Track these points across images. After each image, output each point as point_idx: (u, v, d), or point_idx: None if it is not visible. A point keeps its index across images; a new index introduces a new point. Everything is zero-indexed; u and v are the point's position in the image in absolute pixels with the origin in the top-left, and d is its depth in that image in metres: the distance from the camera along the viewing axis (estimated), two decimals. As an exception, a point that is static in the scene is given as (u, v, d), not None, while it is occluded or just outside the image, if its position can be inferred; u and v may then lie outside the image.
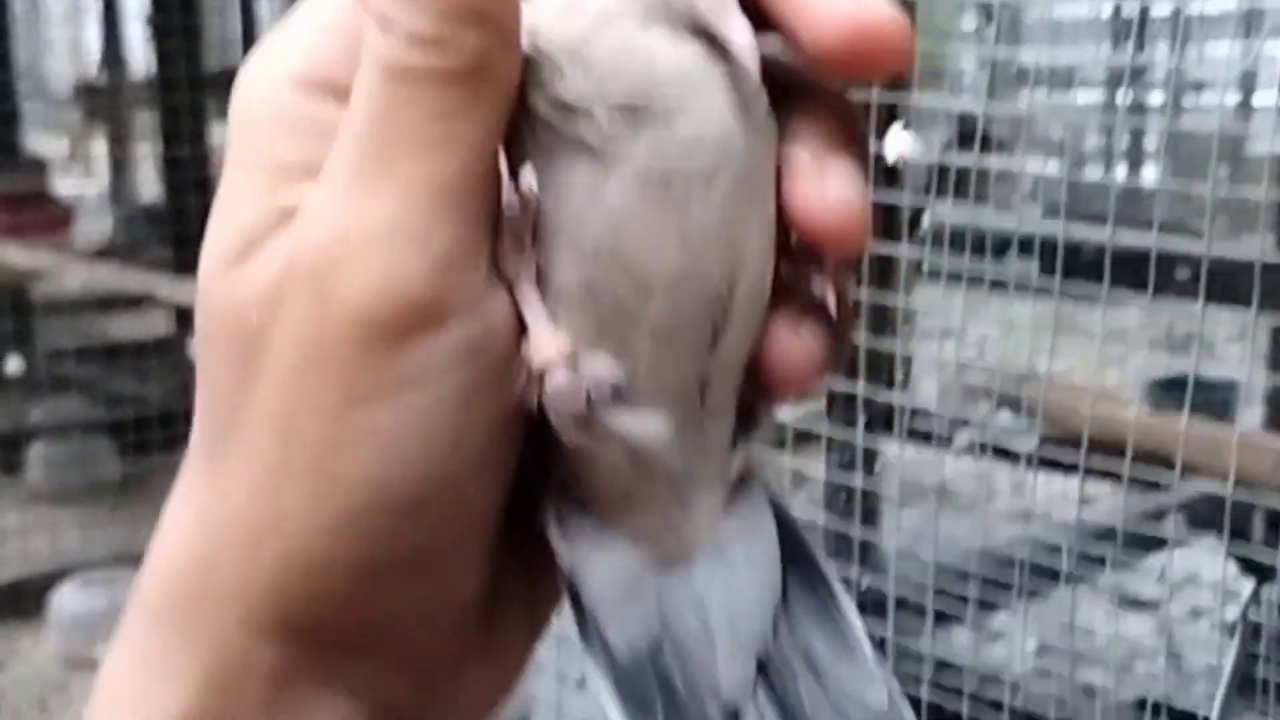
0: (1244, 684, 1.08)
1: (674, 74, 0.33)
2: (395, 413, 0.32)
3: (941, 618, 1.27)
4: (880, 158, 1.23)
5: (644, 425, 0.35)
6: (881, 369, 1.33)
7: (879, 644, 1.29)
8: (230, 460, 0.34)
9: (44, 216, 3.62)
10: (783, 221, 0.35)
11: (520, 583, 0.39)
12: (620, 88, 0.33)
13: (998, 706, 1.21)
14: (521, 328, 0.34)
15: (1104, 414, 1.14)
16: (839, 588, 0.38)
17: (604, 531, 0.37)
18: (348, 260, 0.32)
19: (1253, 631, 1.08)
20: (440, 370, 0.32)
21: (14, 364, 3.38)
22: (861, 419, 1.31)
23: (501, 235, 0.33)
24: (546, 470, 0.37)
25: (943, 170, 1.21)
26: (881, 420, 1.33)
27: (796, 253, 0.36)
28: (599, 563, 0.37)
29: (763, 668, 0.37)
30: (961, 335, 1.24)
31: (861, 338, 1.32)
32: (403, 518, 0.33)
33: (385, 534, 0.33)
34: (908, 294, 1.32)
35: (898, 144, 1.18)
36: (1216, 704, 0.98)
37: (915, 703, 1.25)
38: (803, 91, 0.35)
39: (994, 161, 1.18)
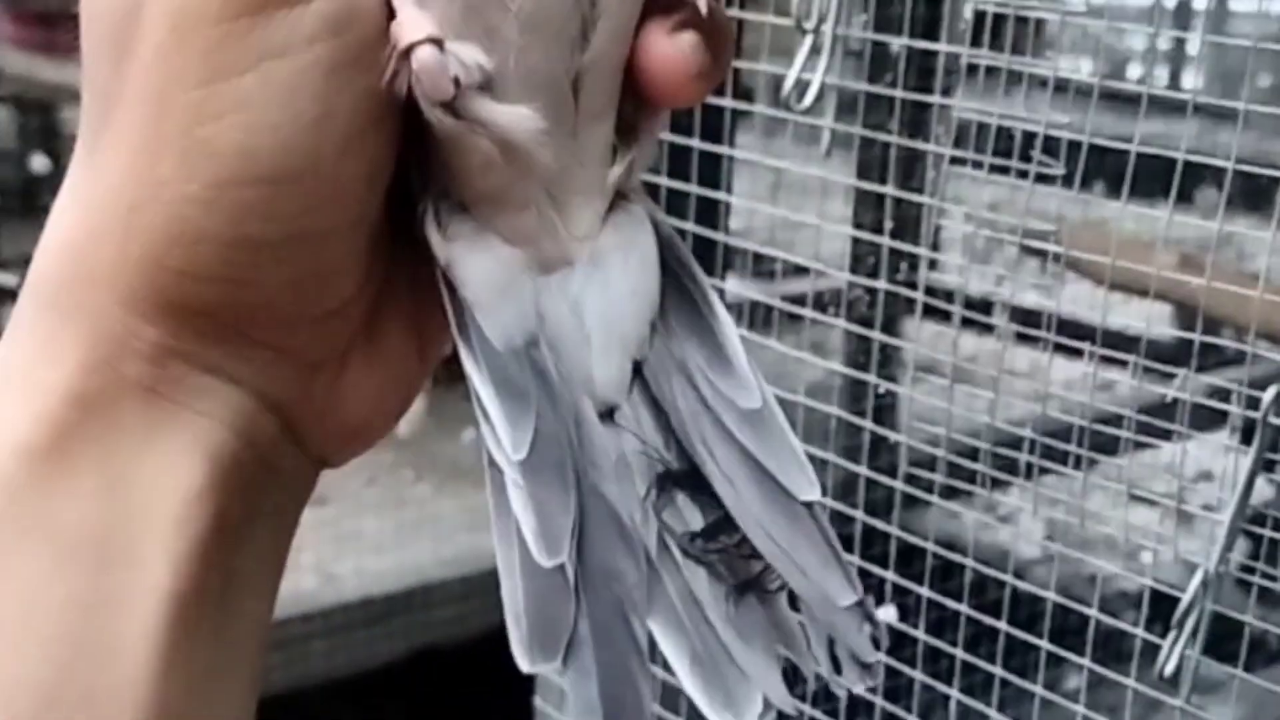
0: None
1: None
2: (260, 82, 0.33)
3: (951, 493, 1.28)
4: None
5: (514, 115, 0.35)
6: (910, 233, 1.33)
7: (887, 513, 1.31)
8: (107, 141, 0.35)
9: (75, 34, 3.58)
10: None
11: (405, 295, 0.40)
12: None
13: (1000, 586, 1.23)
14: (389, 9, 0.34)
15: (1132, 259, 1.14)
16: (717, 302, 0.40)
17: (481, 231, 0.38)
18: None
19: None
20: (303, 41, 0.33)
21: (40, 162, 3.37)
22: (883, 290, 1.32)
23: None
24: (425, 171, 0.38)
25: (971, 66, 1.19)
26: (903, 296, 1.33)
27: None
28: (476, 260, 0.38)
29: (639, 372, 0.39)
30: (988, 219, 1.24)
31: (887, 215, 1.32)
32: (272, 190, 0.34)
33: (256, 206, 0.34)
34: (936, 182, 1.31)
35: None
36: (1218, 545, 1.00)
37: (916, 579, 1.27)
38: None
39: (1027, 60, 1.16)
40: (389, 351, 0.40)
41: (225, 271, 0.35)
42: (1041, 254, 1.18)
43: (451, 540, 2.46)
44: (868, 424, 1.32)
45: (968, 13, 1.18)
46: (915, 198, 1.31)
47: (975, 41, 1.18)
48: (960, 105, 1.22)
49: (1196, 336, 1.07)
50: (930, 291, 1.28)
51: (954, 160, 1.21)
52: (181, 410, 0.36)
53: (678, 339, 0.39)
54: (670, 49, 0.36)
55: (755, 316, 1.39)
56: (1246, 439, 1.07)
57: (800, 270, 1.41)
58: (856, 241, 1.38)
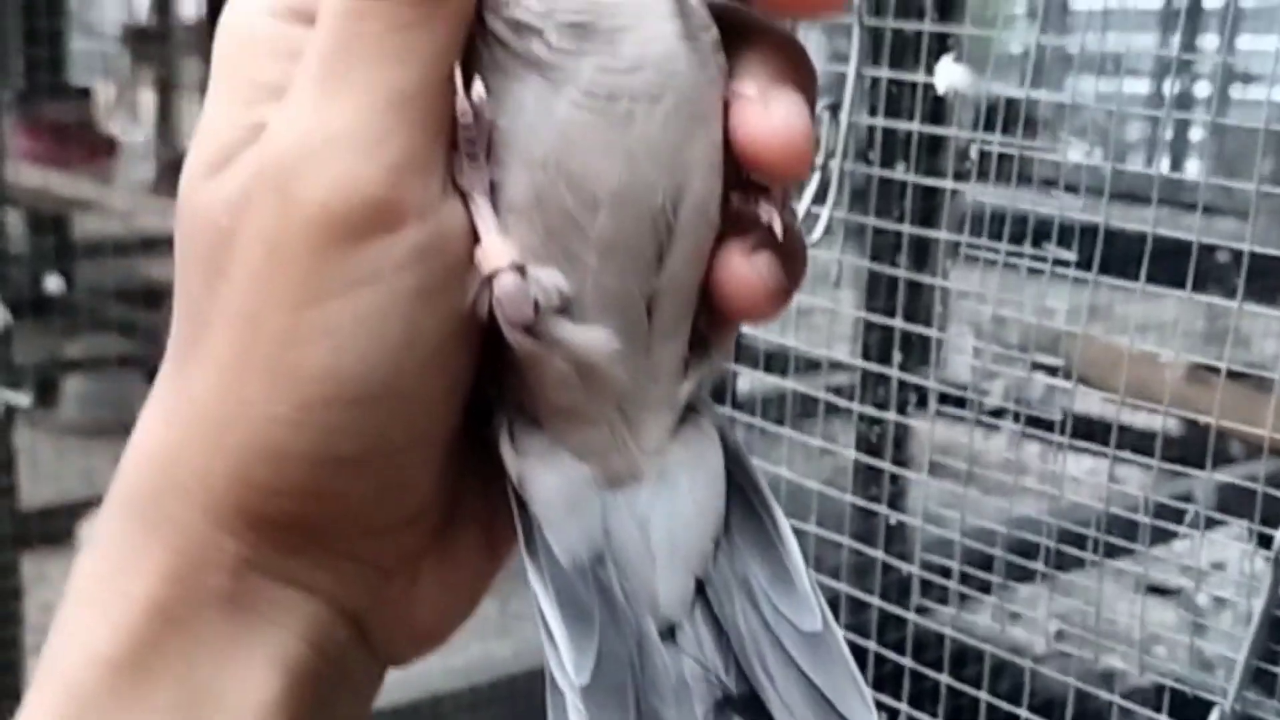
0: (1260, 673, 1.08)
1: (618, 3, 0.35)
2: (350, 309, 0.34)
3: (965, 595, 1.27)
4: (930, 89, 1.22)
5: (590, 337, 0.36)
6: (915, 345, 1.34)
7: (899, 624, 1.30)
8: (197, 357, 0.36)
9: (88, 147, 3.63)
10: (733, 156, 0.37)
11: (478, 503, 0.40)
12: (569, 6, 0.35)
13: (1017, 687, 1.21)
14: (474, 235, 0.35)
15: (1141, 374, 1.14)
16: (781, 519, 0.40)
17: (553, 446, 0.38)
18: (308, 163, 0.34)
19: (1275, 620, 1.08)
20: (394, 270, 0.34)
21: (54, 283, 3.40)
22: (894, 397, 1.32)
23: (456, 145, 0.35)
24: (501, 386, 0.38)
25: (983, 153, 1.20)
26: (913, 398, 1.33)
27: (746, 183, 0.37)
28: (546, 474, 0.38)
29: (702, 590, 0.38)
30: (998, 315, 1.24)
31: (898, 316, 1.33)
32: (357, 411, 0.35)
33: (340, 427, 0.35)
34: (945, 275, 1.32)
35: (948, 76, 1.17)
36: (1234, 681, 0.98)
37: (934, 682, 1.26)
38: (751, 30, 0.37)
39: (1036, 148, 1.17)
40: (461, 555, 0.41)
41: (309, 487, 0.35)
42: (1052, 370, 1.18)
43: (462, 650, 2.44)
44: (882, 508, 1.31)
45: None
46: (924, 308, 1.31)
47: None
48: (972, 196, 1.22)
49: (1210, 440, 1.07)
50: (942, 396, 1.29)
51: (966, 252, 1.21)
52: (259, 622, 0.36)
53: (741, 556, 0.39)
54: (748, 270, 0.37)
55: (768, 410, 1.40)
56: (1263, 541, 1.06)
57: (813, 365, 1.42)
58: (866, 352, 1.39)
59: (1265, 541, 1.06)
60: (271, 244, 0.34)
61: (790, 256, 0.37)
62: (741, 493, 0.40)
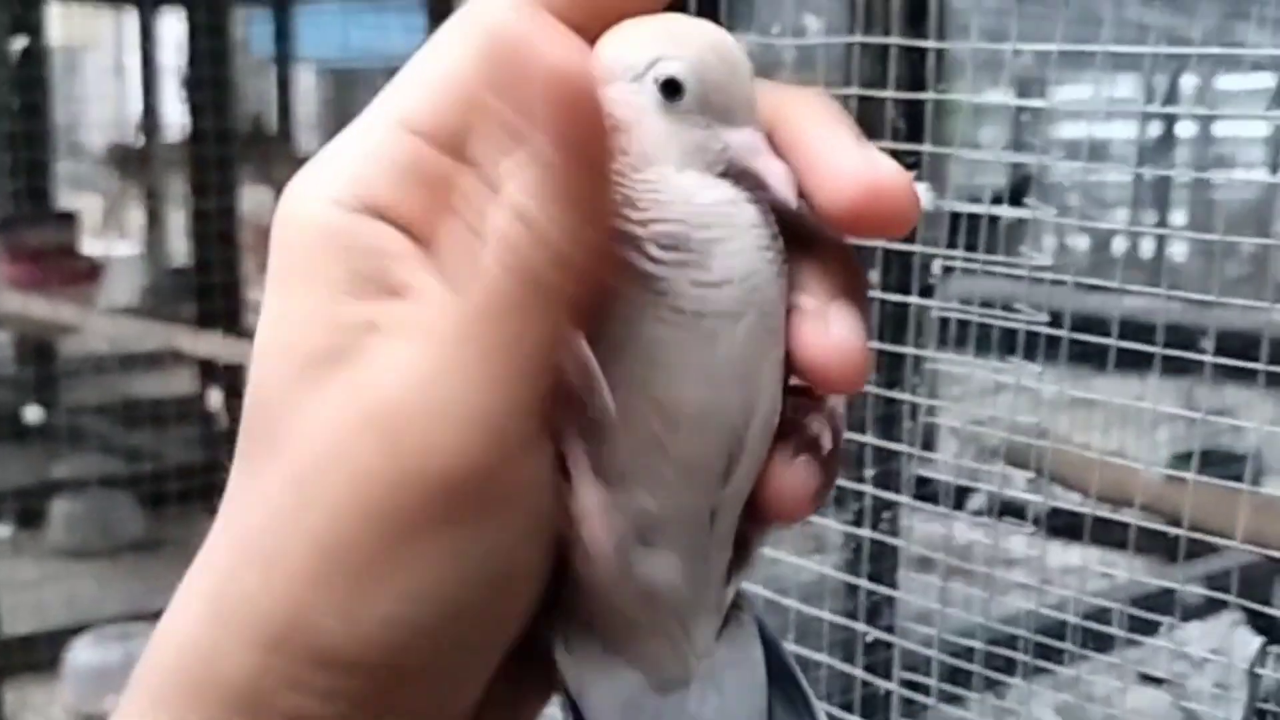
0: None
1: (708, 215, 0.35)
2: (436, 549, 0.34)
3: (951, 696, 1.25)
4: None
5: (662, 565, 0.37)
6: (897, 429, 1.33)
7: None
8: (256, 560, 0.35)
9: (70, 271, 3.65)
10: (789, 365, 0.37)
11: (508, 694, 0.39)
12: (667, 215, 0.35)
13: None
14: (564, 471, 0.35)
15: (1115, 478, 1.13)
16: (816, 703, 0.40)
17: (609, 655, 0.38)
18: (422, 424, 0.33)
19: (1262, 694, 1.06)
20: (486, 521, 0.34)
21: (33, 413, 3.41)
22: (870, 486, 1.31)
23: (557, 396, 0.34)
24: (558, 595, 0.38)
25: (966, 232, 1.21)
26: (895, 484, 1.32)
27: (796, 390, 0.38)
28: (604, 682, 0.38)
29: None
30: (979, 405, 1.23)
31: (869, 412, 1.32)
32: (423, 635, 0.34)
33: (402, 647, 0.34)
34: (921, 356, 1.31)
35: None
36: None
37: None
38: (810, 238, 0.37)
39: (997, 261, 1.17)
40: None
41: (363, 695, 0.34)
42: (1025, 466, 1.18)
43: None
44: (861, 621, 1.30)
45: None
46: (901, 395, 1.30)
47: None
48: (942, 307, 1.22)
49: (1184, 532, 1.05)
50: (922, 486, 1.28)
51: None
52: None
53: None
54: (794, 478, 0.37)
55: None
56: (1254, 625, 1.05)
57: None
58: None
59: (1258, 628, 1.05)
60: (364, 480, 0.33)
61: (831, 459, 0.38)
62: (778, 681, 0.40)
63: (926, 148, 1.21)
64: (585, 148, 0.33)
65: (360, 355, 0.34)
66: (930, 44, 1.24)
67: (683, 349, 0.35)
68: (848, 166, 0.35)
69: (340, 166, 0.36)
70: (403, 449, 0.33)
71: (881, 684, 1.26)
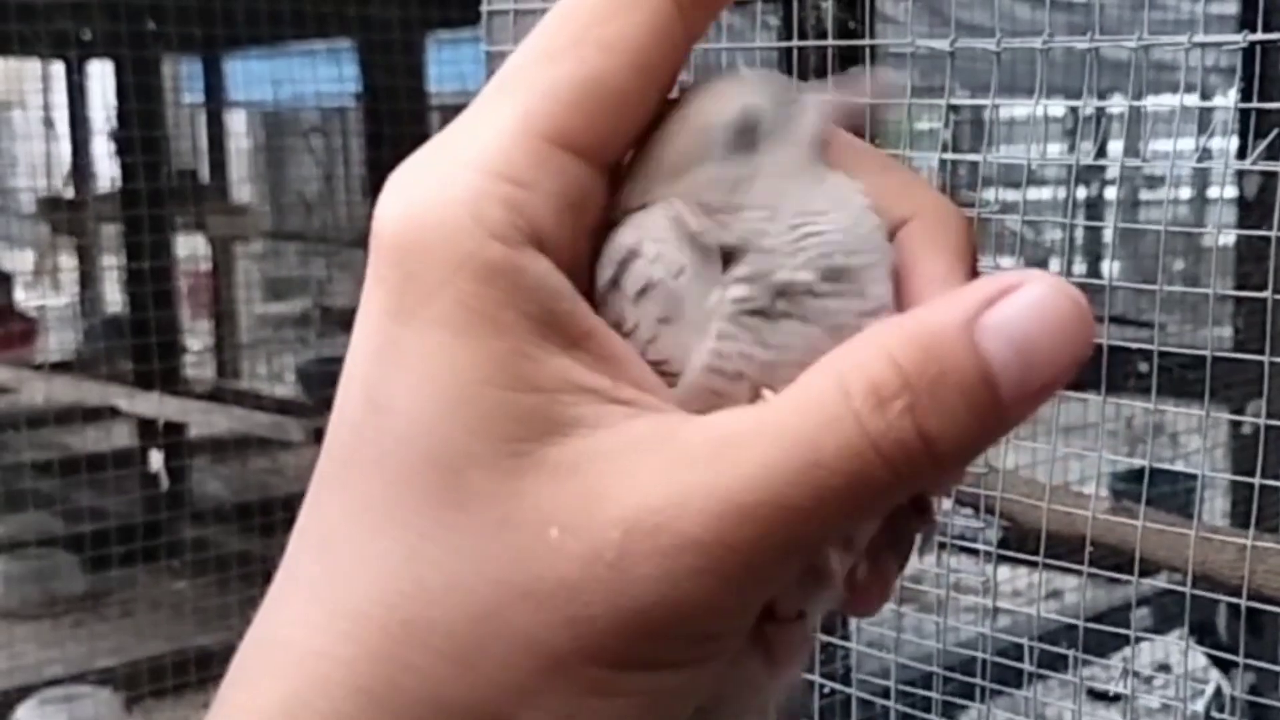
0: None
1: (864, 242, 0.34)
2: (647, 681, 0.31)
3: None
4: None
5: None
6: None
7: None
8: (444, 651, 0.31)
9: (5, 335, 3.60)
10: None
11: None
12: (822, 246, 0.33)
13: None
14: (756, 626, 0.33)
15: (1062, 510, 1.13)
16: None
17: None
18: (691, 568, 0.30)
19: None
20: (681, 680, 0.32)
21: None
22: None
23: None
24: None
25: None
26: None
27: None
28: None
29: None
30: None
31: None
32: None
33: None
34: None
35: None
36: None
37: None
38: None
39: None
40: None
41: None
42: (974, 505, 1.18)
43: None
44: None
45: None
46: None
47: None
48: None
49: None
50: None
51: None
52: None
53: None
54: (886, 579, 0.36)
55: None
56: (1200, 638, 1.05)
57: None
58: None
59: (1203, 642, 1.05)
60: (607, 605, 0.30)
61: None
62: None
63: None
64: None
65: (582, 439, 0.31)
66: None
67: None
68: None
69: (481, 189, 0.31)
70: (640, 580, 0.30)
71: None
